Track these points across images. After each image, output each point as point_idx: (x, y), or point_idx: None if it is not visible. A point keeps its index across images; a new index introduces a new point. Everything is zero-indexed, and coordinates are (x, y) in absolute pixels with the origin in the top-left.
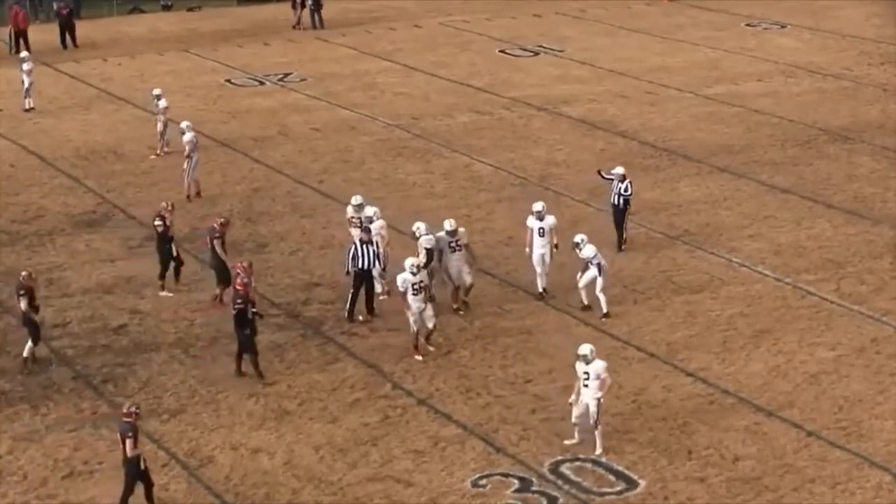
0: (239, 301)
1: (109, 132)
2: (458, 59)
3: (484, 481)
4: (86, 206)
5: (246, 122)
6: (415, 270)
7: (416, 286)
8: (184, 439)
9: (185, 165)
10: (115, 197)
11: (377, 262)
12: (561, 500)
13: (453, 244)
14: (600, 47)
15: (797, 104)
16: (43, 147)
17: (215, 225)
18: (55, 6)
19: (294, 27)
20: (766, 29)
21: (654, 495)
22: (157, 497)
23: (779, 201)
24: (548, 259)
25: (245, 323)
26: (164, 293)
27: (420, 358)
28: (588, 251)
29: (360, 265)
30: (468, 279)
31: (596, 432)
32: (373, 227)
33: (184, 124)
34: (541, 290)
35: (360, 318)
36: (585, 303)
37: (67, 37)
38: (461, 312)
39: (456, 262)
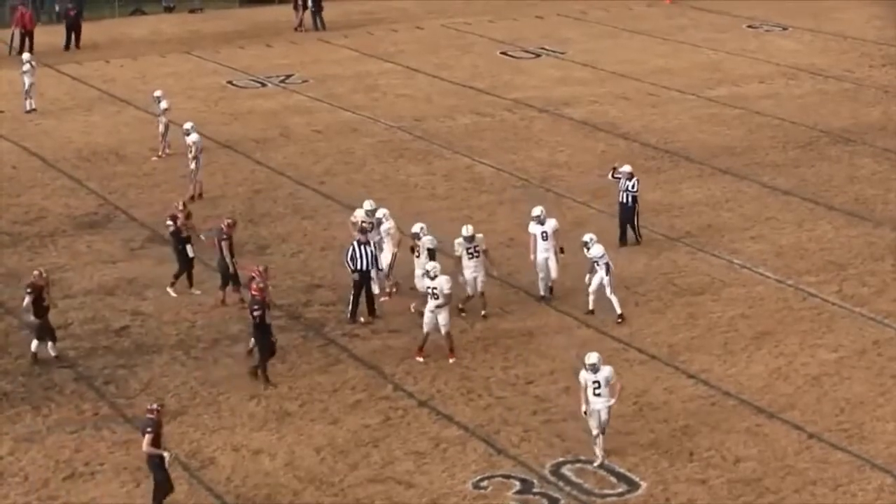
0: (256, 307)
1: (111, 134)
2: (460, 60)
3: (485, 483)
4: (87, 207)
5: (247, 123)
6: (433, 275)
7: (432, 290)
8: (185, 440)
9: (191, 166)
10: (116, 198)
11: (375, 264)
12: (562, 501)
13: (471, 250)
14: (602, 49)
15: (799, 106)
16: (45, 148)
17: (222, 226)
18: (57, 7)
19: (296, 29)
20: (767, 31)
21: (656, 497)
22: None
23: (780, 203)
24: (552, 264)
25: (265, 329)
26: (169, 290)
27: (421, 360)
28: (596, 251)
29: (358, 266)
30: (481, 287)
31: (601, 438)
32: (382, 228)
33: (188, 125)
34: (542, 293)
35: (362, 319)
36: (591, 308)
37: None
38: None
39: (472, 269)
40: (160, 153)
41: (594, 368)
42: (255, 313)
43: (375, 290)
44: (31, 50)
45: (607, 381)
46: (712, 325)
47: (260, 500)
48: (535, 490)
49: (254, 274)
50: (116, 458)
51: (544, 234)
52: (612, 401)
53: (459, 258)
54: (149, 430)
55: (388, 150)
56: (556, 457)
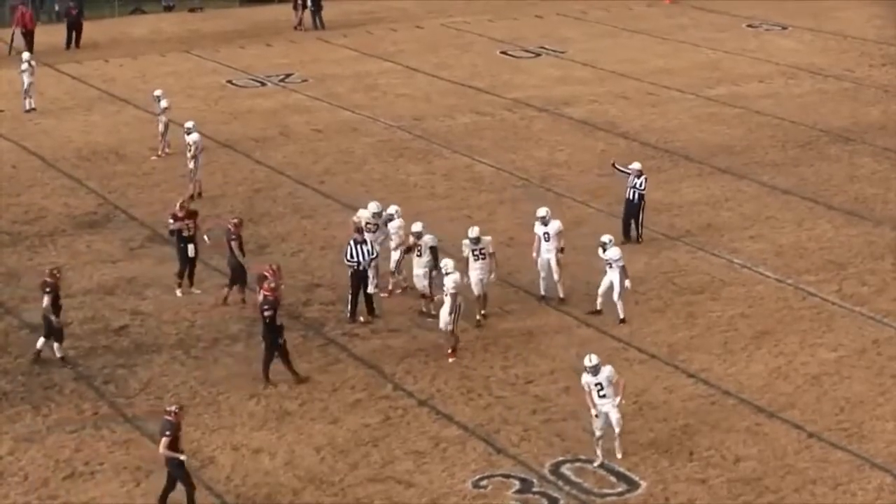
0: (267, 307)
1: (111, 133)
2: (460, 60)
3: (485, 482)
4: (87, 206)
5: (247, 122)
6: (445, 271)
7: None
8: (185, 440)
9: (191, 165)
10: (116, 198)
11: (373, 263)
12: (562, 501)
13: (477, 252)
14: (602, 48)
15: (798, 105)
16: (44, 148)
17: (230, 227)
18: (57, 6)
19: (295, 28)
20: (767, 30)
21: (655, 496)
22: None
23: (780, 202)
24: (554, 265)
25: (275, 329)
26: (177, 291)
27: (452, 360)
28: (612, 252)
29: (356, 265)
30: (485, 290)
31: (617, 439)
32: (391, 225)
33: (189, 124)
34: (542, 293)
35: (361, 318)
36: (598, 308)
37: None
38: (480, 325)
39: (478, 271)
40: (160, 152)
41: (595, 370)
42: (266, 313)
43: (371, 289)
44: (30, 49)
45: (609, 381)
46: (712, 325)
47: (260, 499)
48: (534, 489)
49: (267, 273)
50: (116, 457)
51: (546, 235)
52: (619, 399)
53: (466, 259)
54: (167, 433)
55: (387, 149)
56: (555, 456)
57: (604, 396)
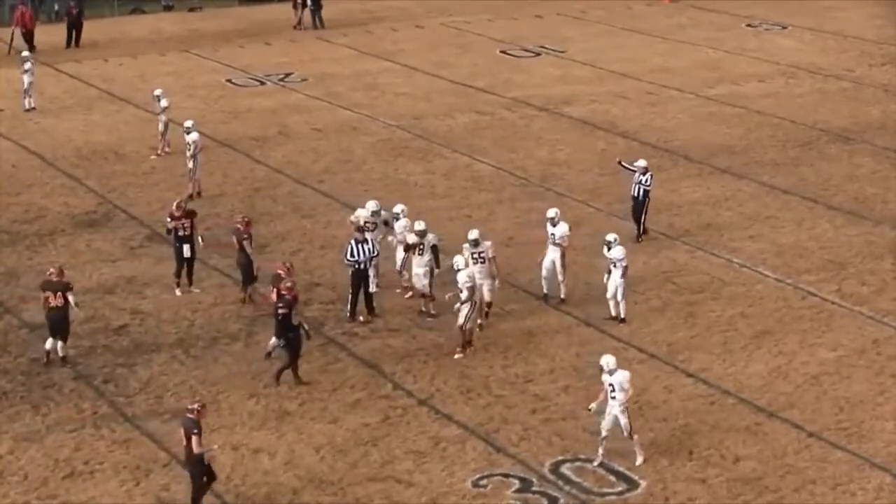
0: (282, 305)
1: (111, 132)
2: (460, 59)
3: (484, 481)
4: (87, 206)
5: (247, 122)
6: (460, 267)
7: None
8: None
9: (190, 164)
10: (116, 197)
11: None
12: (562, 500)
13: (476, 255)
14: (601, 48)
15: (798, 105)
16: (44, 147)
17: (240, 226)
18: (57, 6)
19: (295, 27)
20: (767, 30)
21: (655, 496)
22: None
23: (780, 202)
24: (559, 266)
25: (290, 328)
26: (177, 291)
27: (458, 357)
28: (617, 252)
29: (357, 265)
30: (487, 295)
31: (633, 442)
32: (397, 225)
33: (188, 123)
34: (545, 291)
35: (361, 318)
36: (612, 314)
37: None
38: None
39: (477, 275)
40: (159, 152)
41: (610, 371)
42: (281, 311)
43: (373, 288)
44: (30, 49)
45: (621, 386)
46: (711, 324)
47: (259, 498)
48: (534, 489)
49: (280, 271)
50: (116, 456)
51: (553, 237)
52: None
53: (466, 262)
54: (195, 431)
55: (387, 148)
56: (555, 455)
57: (613, 398)
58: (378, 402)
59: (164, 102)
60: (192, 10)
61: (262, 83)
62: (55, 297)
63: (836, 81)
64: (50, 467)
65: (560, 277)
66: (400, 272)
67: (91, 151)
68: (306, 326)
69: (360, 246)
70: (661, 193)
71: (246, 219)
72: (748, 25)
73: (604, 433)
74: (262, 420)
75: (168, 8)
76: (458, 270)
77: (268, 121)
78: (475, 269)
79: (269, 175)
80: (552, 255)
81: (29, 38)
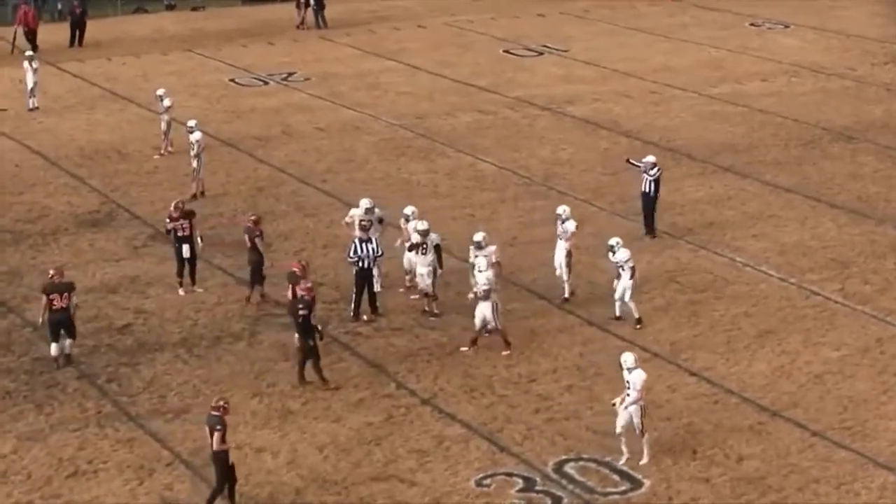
0: (302, 307)
1: (114, 132)
2: (463, 58)
3: (488, 481)
4: (90, 205)
5: (250, 121)
6: (482, 269)
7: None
8: (188, 438)
9: (193, 164)
10: (119, 196)
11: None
12: (565, 499)
13: (481, 258)
14: (604, 47)
15: (801, 104)
16: (47, 146)
17: (250, 224)
18: (60, 5)
19: (298, 27)
20: (770, 29)
21: (659, 495)
22: (163, 496)
23: (783, 201)
24: (563, 264)
25: (309, 330)
26: (180, 291)
27: (465, 349)
28: (621, 255)
29: (360, 263)
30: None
31: (642, 441)
32: (409, 226)
33: (191, 123)
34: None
35: (365, 317)
36: (617, 314)
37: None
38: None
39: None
40: (162, 151)
41: (628, 369)
42: (301, 313)
43: (377, 287)
44: (34, 48)
45: (634, 386)
46: (715, 323)
47: (262, 498)
48: (537, 488)
49: (296, 269)
50: (119, 455)
51: (560, 234)
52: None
53: (472, 265)
54: (218, 427)
55: (390, 148)
56: (558, 455)
57: (628, 396)
58: (381, 402)
59: (167, 102)
60: (194, 9)
61: (265, 83)
62: (61, 299)
63: (839, 80)
64: (53, 466)
65: (564, 276)
66: (407, 272)
67: (94, 151)
68: (320, 327)
69: (363, 245)
70: (665, 192)
71: (255, 217)
72: (751, 24)
73: (618, 430)
74: (266, 419)
75: (171, 7)
76: (480, 272)
77: (271, 120)
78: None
79: (272, 174)
80: (560, 252)
81: (32, 37)
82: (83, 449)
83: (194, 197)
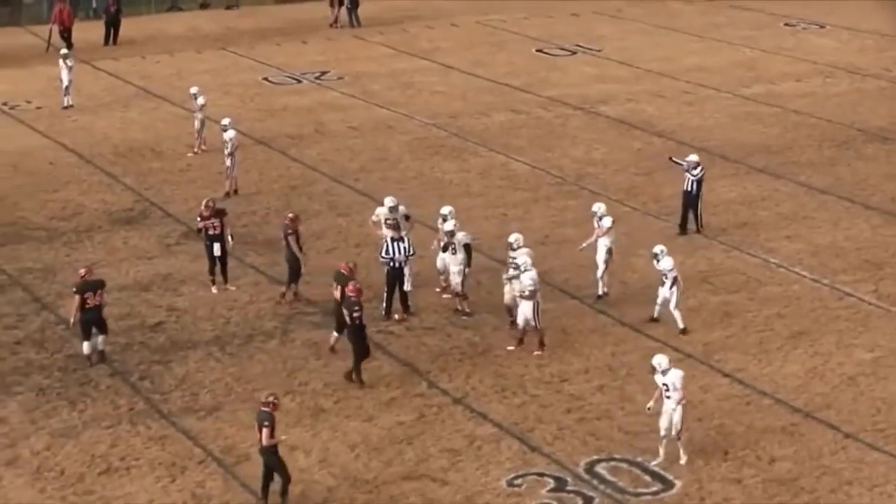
0: (356, 309)
1: (148, 130)
2: (496, 58)
3: (519, 480)
4: (124, 203)
5: (283, 120)
6: (527, 268)
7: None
8: (220, 437)
9: (227, 163)
10: (152, 194)
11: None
12: (596, 500)
13: (511, 263)
14: (638, 47)
15: (836, 105)
16: (81, 144)
17: (287, 221)
18: (95, 3)
19: (331, 25)
20: (804, 29)
21: (690, 496)
22: (195, 494)
23: (817, 202)
24: (600, 261)
25: (361, 330)
26: (213, 289)
27: (511, 348)
28: (665, 263)
29: (392, 263)
30: (511, 301)
31: (679, 442)
32: (444, 226)
33: (225, 121)
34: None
35: (396, 316)
36: (655, 316)
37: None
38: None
39: (509, 284)
40: (196, 149)
41: (663, 371)
42: (355, 314)
43: (408, 286)
44: (69, 46)
45: (675, 386)
46: (748, 324)
47: (294, 496)
48: (568, 488)
49: (344, 270)
50: (152, 453)
51: (596, 232)
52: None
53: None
54: (266, 423)
55: (423, 147)
56: (590, 455)
57: (668, 398)
58: (413, 401)
59: (200, 100)
60: (228, 7)
61: (299, 81)
62: (94, 296)
63: (874, 81)
64: (86, 463)
65: (598, 273)
66: (440, 272)
67: (128, 149)
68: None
69: (395, 244)
70: None
71: (293, 214)
72: (785, 24)
73: (662, 432)
74: (298, 417)
75: (205, 6)
76: (525, 271)
77: (304, 119)
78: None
79: (304, 173)
80: (601, 248)
81: (67, 35)
82: (116, 446)
83: (227, 195)
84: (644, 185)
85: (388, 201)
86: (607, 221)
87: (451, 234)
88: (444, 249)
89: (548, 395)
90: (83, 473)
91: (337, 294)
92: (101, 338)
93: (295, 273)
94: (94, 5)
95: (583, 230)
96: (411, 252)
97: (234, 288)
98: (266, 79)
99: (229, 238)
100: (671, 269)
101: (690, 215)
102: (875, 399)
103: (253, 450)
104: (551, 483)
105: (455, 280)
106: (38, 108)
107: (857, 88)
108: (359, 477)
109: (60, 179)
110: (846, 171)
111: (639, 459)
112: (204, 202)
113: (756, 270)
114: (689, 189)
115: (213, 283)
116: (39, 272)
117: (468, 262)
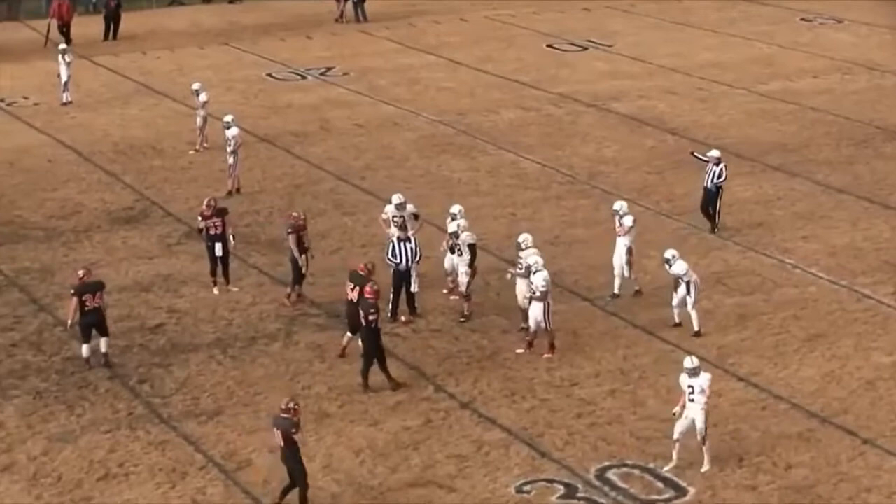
0: (373, 311)
1: (148, 127)
2: (505, 53)
3: (528, 487)
4: (123, 202)
5: (287, 117)
6: (538, 269)
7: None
8: (221, 441)
9: (229, 160)
10: (153, 193)
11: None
12: None
13: (520, 264)
14: (650, 42)
15: (854, 102)
16: (80, 142)
17: (291, 220)
18: None
19: (337, 20)
20: (821, 24)
21: (704, 503)
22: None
23: (834, 201)
24: (623, 260)
25: (377, 333)
26: (214, 290)
27: (520, 351)
28: (679, 267)
29: (399, 263)
30: (525, 303)
31: (703, 448)
32: (451, 225)
33: (228, 118)
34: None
35: (403, 318)
36: (676, 321)
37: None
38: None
39: (521, 285)
40: (197, 147)
41: (693, 373)
42: (371, 317)
43: (414, 288)
44: (68, 41)
45: (702, 389)
46: (763, 327)
47: (297, 503)
48: (579, 495)
49: (362, 272)
50: (151, 458)
51: (618, 231)
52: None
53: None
54: (293, 431)
55: (430, 144)
56: (601, 461)
57: (692, 401)
58: (419, 405)
59: (202, 97)
60: (231, 2)
61: (303, 77)
62: (93, 299)
63: (893, 77)
64: (84, 469)
65: (626, 273)
66: (447, 273)
67: (128, 146)
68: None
69: (402, 245)
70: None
71: (296, 214)
72: (802, 19)
73: (676, 435)
74: (301, 422)
75: (207, 0)
76: (537, 272)
77: (308, 116)
78: (522, 281)
79: (309, 171)
80: (619, 249)
81: (66, 30)
82: (114, 451)
83: (230, 194)
84: (656, 184)
85: (395, 198)
86: (629, 220)
87: (455, 234)
88: (452, 251)
89: (558, 399)
90: (81, 479)
91: (353, 295)
92: (102, 340)
93: (296, 275)
94: (93, 0)
95: (594, 230)
96: (417, 257)
97: (236, 289)
98: (270, 75)
99: (231, 238)
100: (684, 273)
101: (709, 212)
102: (894, 404)
103: (254, 455)
104: (561, 490)
105: (462, 281)
106: (37, 104)
107: (876, 85)
108: (364, 483)
109: (59, 177)
110: (865, 169)
111: (651, 465)
112: (205, 201)
113: (772, 271)
114: (709, 186)
115: (215, 284)
116: (37, 272)
117: (472, 263)
